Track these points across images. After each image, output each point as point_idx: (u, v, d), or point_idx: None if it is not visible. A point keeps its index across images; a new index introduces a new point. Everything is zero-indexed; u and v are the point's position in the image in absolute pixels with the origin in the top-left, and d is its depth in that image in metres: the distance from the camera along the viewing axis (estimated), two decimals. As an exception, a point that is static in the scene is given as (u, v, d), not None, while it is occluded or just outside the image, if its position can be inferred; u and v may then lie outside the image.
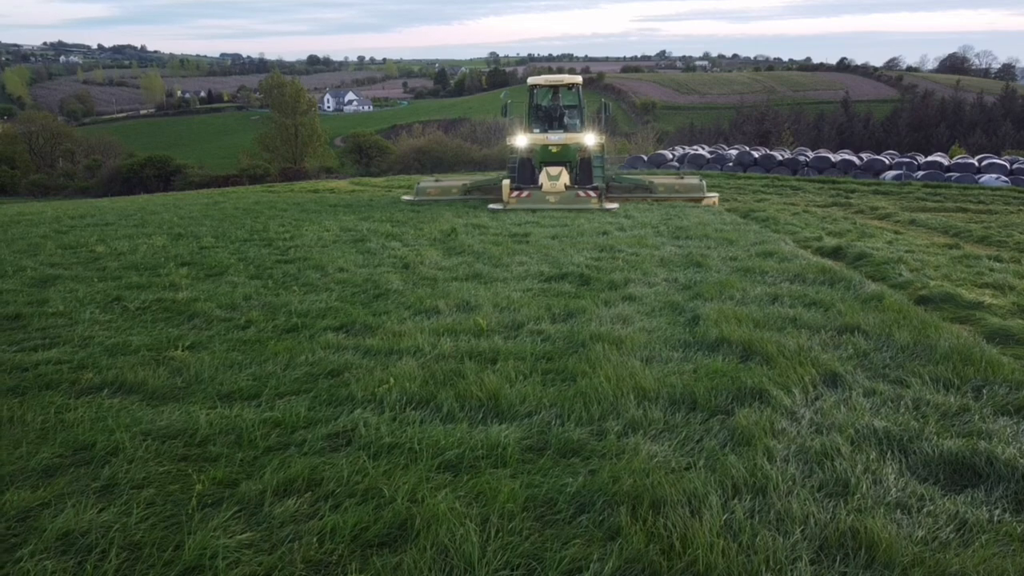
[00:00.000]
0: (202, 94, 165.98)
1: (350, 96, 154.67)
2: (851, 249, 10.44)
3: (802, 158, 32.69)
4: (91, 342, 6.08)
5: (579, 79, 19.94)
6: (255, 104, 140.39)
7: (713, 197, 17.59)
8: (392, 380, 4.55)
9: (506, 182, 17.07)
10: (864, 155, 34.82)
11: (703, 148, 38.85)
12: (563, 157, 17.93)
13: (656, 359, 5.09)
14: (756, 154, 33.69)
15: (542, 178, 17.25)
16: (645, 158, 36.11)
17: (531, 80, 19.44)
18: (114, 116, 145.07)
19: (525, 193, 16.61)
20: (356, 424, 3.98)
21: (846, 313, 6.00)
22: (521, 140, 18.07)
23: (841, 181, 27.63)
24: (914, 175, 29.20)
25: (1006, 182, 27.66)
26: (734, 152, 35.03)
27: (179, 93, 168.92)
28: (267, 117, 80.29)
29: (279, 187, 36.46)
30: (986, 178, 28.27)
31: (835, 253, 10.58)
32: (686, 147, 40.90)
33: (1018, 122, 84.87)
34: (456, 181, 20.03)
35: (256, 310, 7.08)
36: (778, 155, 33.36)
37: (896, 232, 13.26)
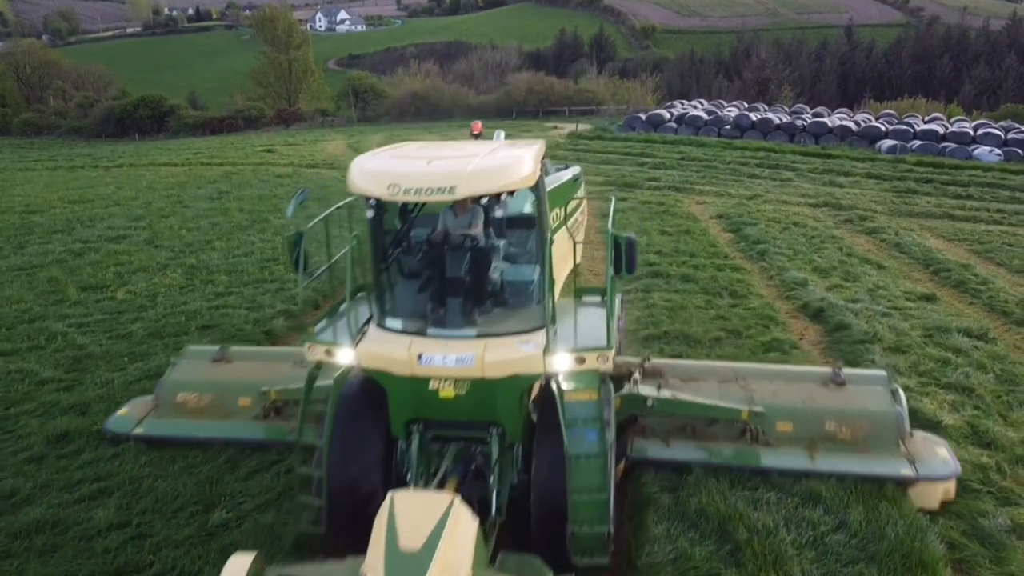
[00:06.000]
0: (189, 11, 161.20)
1: (342, 15, 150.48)
2: (833, 313, 11.01)
3: (799, 122, 32.78)
4: (139, 487, 6.79)
5: (528, 168, 5.46)
6: (244, 23, 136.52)
7: (945, 483, 6.57)
8: None
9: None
10: (861, 118, 34.90)
11: (700, 105, 38.75)
12: (474, 414, 5.80)
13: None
14: (754, 116, 33.75)
15: (371, 557, 4.25)
16: (643, 117, 36.11)
17: (359, 182, 5.36)
18: (100, 35, 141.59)
19: None
20: None
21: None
22: (344, 354, 5.77)
23: (836, 155, 28.04)
24: (909, 146, 29.45)
25: (999, 156, 28.02)
26: (732, 113, 35.05)
27: (166, 11, 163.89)
28: (256, 38, 78.43)
29: (278, 145, 36.49)
30: (980, 151, 28.59)
31: (818, 315, 11.18)
32: (684, 102, 40.73)
33: (1022, 54, 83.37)
34: (256, 370, 8.02)
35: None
36: (775, 118, 33.41)
37: (879, 267, 13.84)
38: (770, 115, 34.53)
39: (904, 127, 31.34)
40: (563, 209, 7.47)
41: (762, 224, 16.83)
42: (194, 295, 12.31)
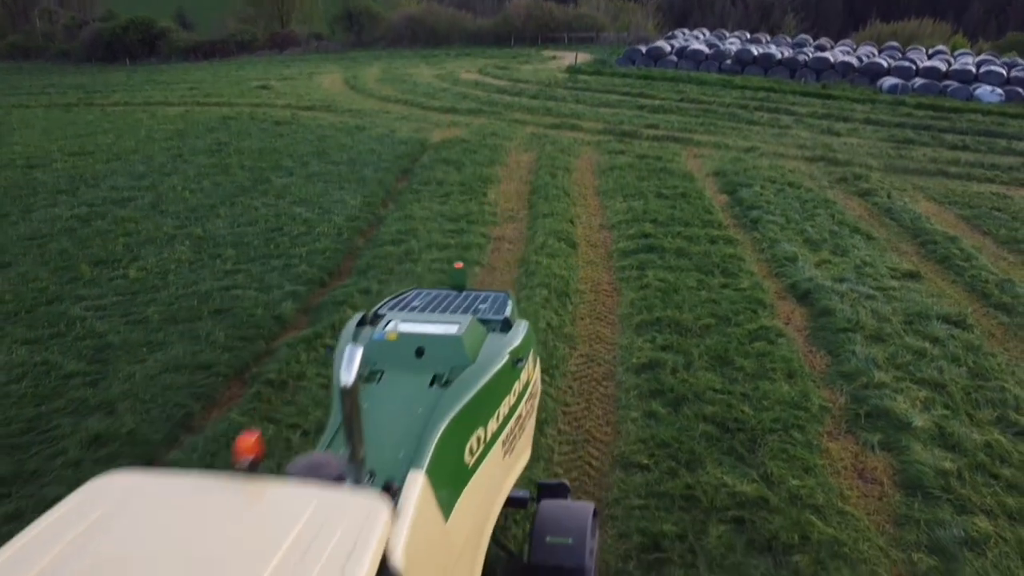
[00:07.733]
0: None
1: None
2: (819, 296, 11.43)
3: (801, 57, 32.42)
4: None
5: None
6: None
7: None
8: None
9: None
10: (864, 52, 34.46)
11: (702, 36, 38.07)
12: None
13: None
14: (756, 51, 33.32)
15: None
16: (643, 50, 35.57)
17: None
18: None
19: None
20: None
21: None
22: None
23: (836, 96, 27.94)
24: (911, 84, 29.30)
25: (1000, 96, 27.97)
26: (734, 47, 34.56)
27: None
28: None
29: (273, 79, 36.11)
30: (981, 90, 28.50)
31: (805, 298, 11.64)
32: (685, 32, 39.98)
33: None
34: None
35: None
36: (777, 53, 33.00)
37: (869, 237, 14.22)
38: (772, 49, 34.06)
39: (907, 63, 31.06)
40: (491, 424, 3.90)
41: (757, 186, 17.07)
42: (203, 272, 12.69)
